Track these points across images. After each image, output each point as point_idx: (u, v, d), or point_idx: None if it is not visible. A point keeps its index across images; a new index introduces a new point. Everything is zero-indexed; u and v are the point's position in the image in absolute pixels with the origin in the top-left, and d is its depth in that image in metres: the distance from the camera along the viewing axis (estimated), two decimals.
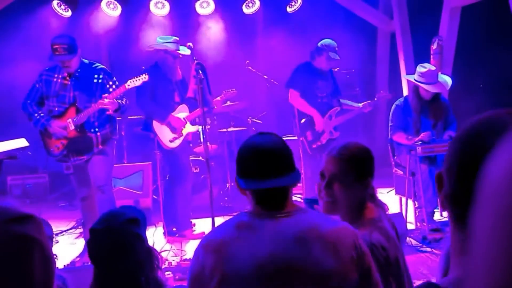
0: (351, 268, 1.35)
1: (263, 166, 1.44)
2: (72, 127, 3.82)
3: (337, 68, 5.63)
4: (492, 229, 0.37)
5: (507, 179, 0.37)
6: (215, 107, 4.75)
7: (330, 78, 4.91)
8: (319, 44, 4.76)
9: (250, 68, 6.16)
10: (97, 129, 3.92)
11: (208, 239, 1.44)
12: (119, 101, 3.83)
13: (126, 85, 3.82)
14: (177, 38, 4.50)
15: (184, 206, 4.52)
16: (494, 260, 0.36)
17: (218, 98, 4.80)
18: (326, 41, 4.74)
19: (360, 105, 4.97)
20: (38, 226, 0.78)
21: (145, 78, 3.85)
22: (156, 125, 4.44)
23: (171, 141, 4.43)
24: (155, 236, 4.41)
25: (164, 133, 4.45)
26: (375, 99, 5.07)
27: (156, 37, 4.63)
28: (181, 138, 4.47)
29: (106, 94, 3.77)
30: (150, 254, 1.71)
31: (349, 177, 1.72)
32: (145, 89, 4.34)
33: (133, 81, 3.83)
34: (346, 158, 1.72)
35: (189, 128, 4.53)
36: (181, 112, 4.51)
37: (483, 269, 0.37)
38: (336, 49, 4.72)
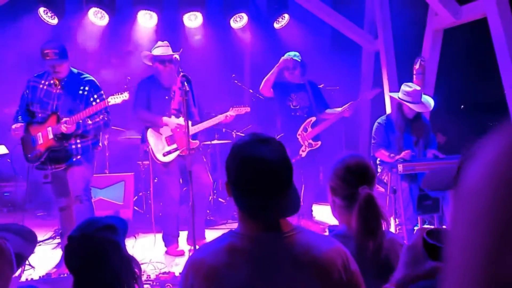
0: None
1: (265, 183, 1.33)
2: (50, 135, 3.78)
3: (322, 85, 5.69)
4: (468, 232, 0.38)
5: (483, 183, 0.38)
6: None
7: (307, 91, 5.01)
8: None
9: (236, 81, 6.18)
10: (78, 141, 3.87)
11: (197, 260, 1.38)
12: (98, 117, 3.84)
13: (106, 101, 3.82)
14: (166, 42, 4.43)
15: (166, 222, 4.40)
16: (469, 261, 0.37)
17: (231, 113, 4.45)
18: (291, 53, 5.06)
19: (340, 109, 5.02)
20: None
21: (125, 97, 3.86)
22: (150, 135, 4.37)
23: (164, 155, 4.32)
24: (134, 248, 4.33)
25: (158, 146, 4.36)
26: (358, 99, 5.12)
27: (142, 48, 4.63)
28: (176, 153, 4.32)
29: (66, 119, 3.71)
30: (129, 263, 1.66)
31: (337, 184, 1.82)
32: (141, 99, 4.35)
33: (114, 98, 3.84)
34: (335, 170, 1.84)
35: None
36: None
37: (459, 272, 0.38)
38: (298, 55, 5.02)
